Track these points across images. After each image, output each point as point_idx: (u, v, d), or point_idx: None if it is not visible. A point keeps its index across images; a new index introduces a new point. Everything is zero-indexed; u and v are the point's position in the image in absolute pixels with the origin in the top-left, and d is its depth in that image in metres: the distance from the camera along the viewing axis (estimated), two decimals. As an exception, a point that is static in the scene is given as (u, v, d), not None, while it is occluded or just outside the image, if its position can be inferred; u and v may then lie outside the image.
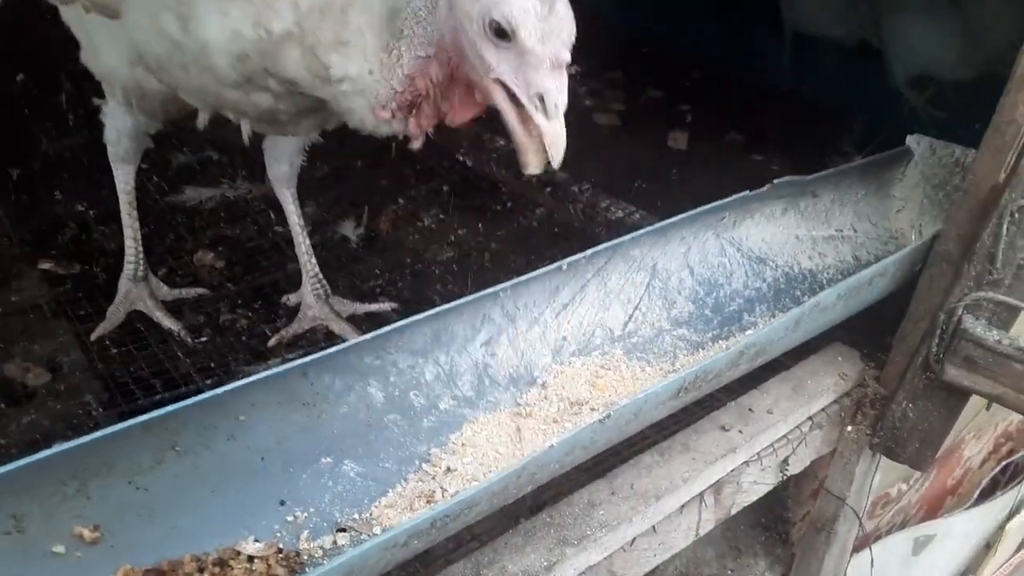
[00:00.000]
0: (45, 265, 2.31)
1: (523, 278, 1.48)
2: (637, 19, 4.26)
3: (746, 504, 1.79)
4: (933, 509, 2.68)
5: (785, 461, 1.80)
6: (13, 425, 1.80)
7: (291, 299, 2.21)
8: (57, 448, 1.07)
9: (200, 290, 2.25)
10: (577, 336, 1.58)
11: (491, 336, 1.47)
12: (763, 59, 3.78)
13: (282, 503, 1.26)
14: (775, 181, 1.79)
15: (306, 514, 1.26)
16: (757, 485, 1.77)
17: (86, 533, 1.13)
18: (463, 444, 1.38)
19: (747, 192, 1.77)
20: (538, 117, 1.28)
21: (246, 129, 1.73)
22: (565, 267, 1.52)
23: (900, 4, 3.28)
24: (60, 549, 1.12)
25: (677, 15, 4.14)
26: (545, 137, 1.29)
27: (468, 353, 1.45)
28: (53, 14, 2.59)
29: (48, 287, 2.23)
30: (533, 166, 1.33)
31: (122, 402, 1.85)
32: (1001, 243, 1.52)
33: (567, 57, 1.29)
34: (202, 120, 1.75)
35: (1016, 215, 1.50)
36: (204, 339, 2.09)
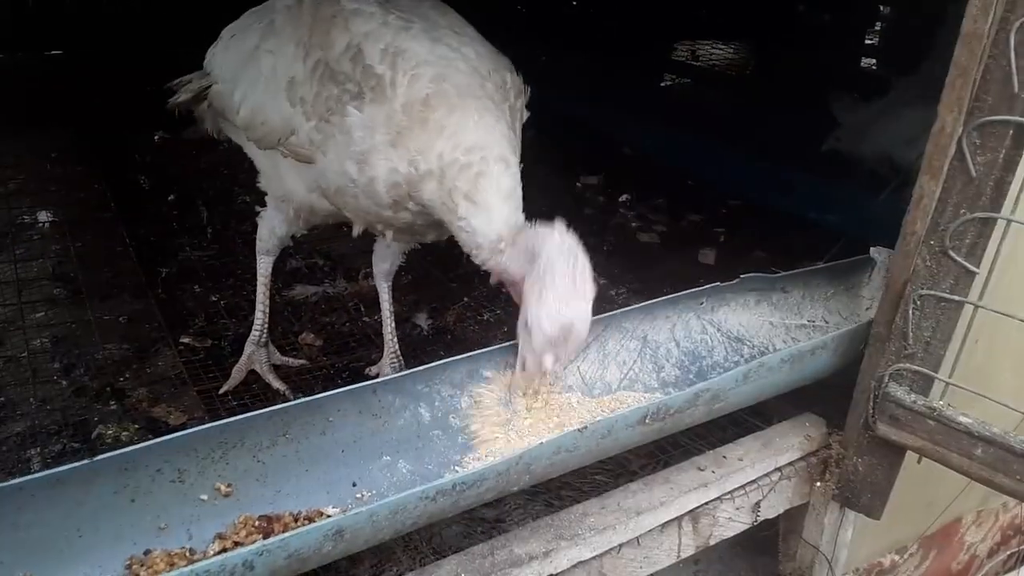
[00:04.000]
0: (185, 340, 2.97)
1: (536, 336, 2.00)
2: (684, 157, 4.88)
3: (724, 537, 2.18)
4: (939, 591, 2.93)
5: (757, 504, 2.20)
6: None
7: (372, 371, 2.77)
8: (211, 424, 1.63)
9: (302, 361, 2.85)
10: (581, 386, 2.07)
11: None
12: (793, 191, 4.31)
13: (354, 484, 1.76)
14: (742, 275, 2.29)
15: (370, 494, 1.76)
16: (733, 522, 2.18)
17: (223, 488, 1.66)
18: (487, 455, 1.86)
19: (719, 283, 2.27)
20: (519, 370, 1.91)
21: (389, 236, 2.28)
22: (569, 331, 2.04)
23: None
24: (205, 497, 1.65)
25: (720, 154, 4.75)
26: (518, 378, 1.92)
27: (494, 390, 1.96)
28: (197, 152, 3.29)
29: (187, 357, 2.86)
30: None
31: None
32: (910, 324, 1.96)
33: (549, 367, 1.83)
34: (356, 230, 2.32)
35: (918, 302, 1.94)
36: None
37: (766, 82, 6.75)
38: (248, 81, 2.32)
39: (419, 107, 1.96)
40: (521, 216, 1.97)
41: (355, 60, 2.03)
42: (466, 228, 1.95)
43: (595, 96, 5.84)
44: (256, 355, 2.72)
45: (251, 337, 2.72)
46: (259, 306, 2.73)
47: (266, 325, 2.74)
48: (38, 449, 2.37)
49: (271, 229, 2.59)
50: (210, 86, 2.57)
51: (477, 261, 2.00)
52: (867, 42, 7.35)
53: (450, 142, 1.94)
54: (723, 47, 8.23)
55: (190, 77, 2.71)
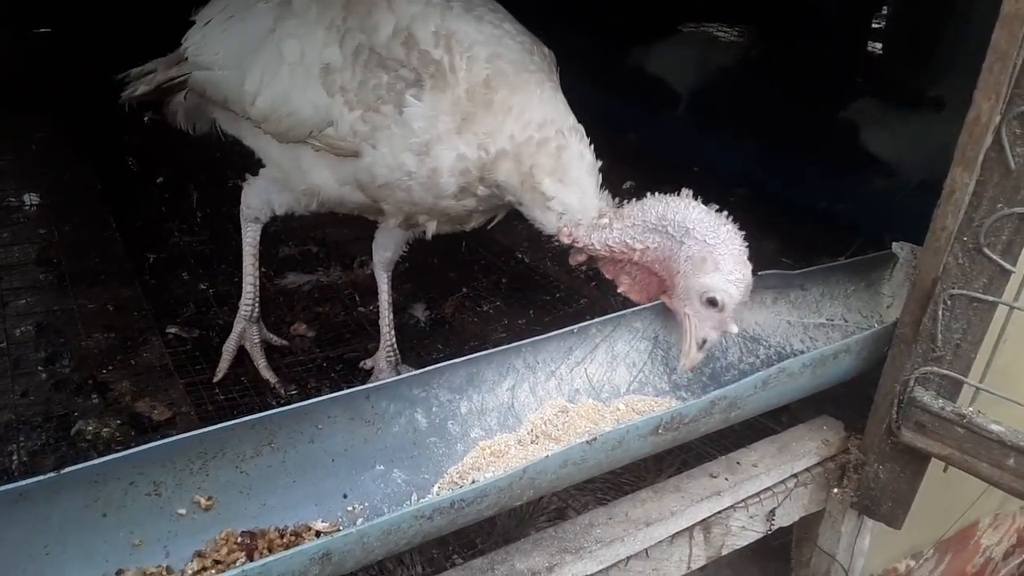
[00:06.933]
0: (172, 330, 2.84)
1: (540, 337, 1.88)
2: (689, 144, 4.74)
3: (737, 547, 2.07)
4: (953, 596, 2.84)
5: (772, 512, 2.09)
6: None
7: (367, 364, 2.65)
8: (189, 434, 1.51)
9: (284, 342, 2.74)
10: (588, 389, 1.95)
11: (515, 382, 1.86)
12: (802, 181, 4.18)
13: (345, 496, 1.65)
14: (759, 273, 2.15)
15: (362, 506, 1.65)
16: (746, 531, 2.06)
17: (202, 501, 1.54)
18: (488, 465, 1.75)
19: (734, 281, 2.13)
20: (694, 350, 1.89)
21: (432, 227, 2.17)
22: (576, 330, 1.92)
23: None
24: (183, 511, 1.53)
25: (724, 142, 4.61)
26: (688, 358, 1.90)
27: (495, 395, 1.84)
28: (187, 133, 3.21)
29: (173, 347, 2.74)
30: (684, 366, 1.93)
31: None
32: (939, 326, 1.84)
33: (735, 331, 1.87)
34: (392, 223, 2.20)
35: (948, 302, 1.82)
36: (295, 391, 2.54)
37: (771, 66, 6.58)
38: (265, 68, 2.12)
39: (482, 90, 1.88)
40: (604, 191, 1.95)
41: (408, 45, 1.91)
42: (556, 207, 1.91)
43: (598, 81, 5.68)
44: (248, 332, 2.58)
45: (241, 312, 2.58)
46: (247, 278, 2.56)
47: (257, 299, 2.58)
48: (20, 443, 2.26)
49: (266, 201, 2.39)
50: (187, 75, 2.40)
51: (568, 240, 1.95)
52: (874, 26, 7.18)
53: (519, 122, 1.88)
54: (728, 30, 8.04)
55: (152, 66, 2.54)
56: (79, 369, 2.58)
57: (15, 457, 2.21)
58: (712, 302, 1.82)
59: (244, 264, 2.56)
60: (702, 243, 1.81)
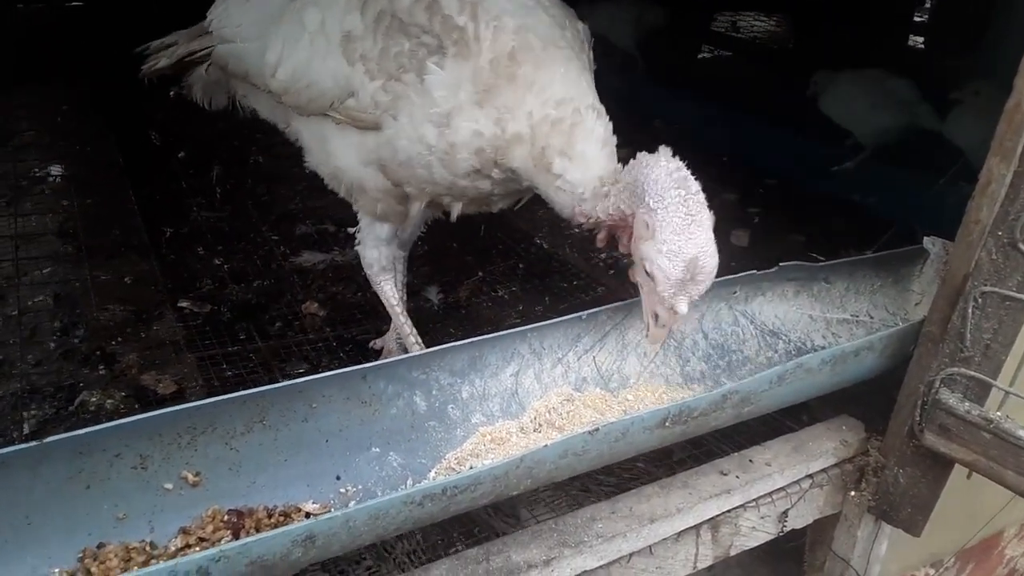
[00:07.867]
0: (184, 304, 2.82)
1: (547, 322, 1.82)
2: (720, 132, 4.63)
3: (746, 548, 2.00)
4: (974, 607, 2.73)
5: (784, 513, 2.01)
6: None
7: (376, 344, 2.61)
8: (178, 407, 1.47)
9: None
10: (596, 378, 1.89)
11: (519, 368, 1.80)
12: (833, 173, 4.06)
13: (338, 477, 1.60)
14: (782, 264, 2.07)
15: (355, 489, 1.60)
16: (756, 532, 1.99)
17: (190, 477, 1.51)
18: (488, 452, 1.69)
19: (755, 271, 2.06)
20: (651, 324, 1.71)
21: (457, 209, 2.06)
22: (585, 317, 1.85)
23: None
24: (169, 486, 1.49)
25: (756, 131, 4.50)
26: (651, 335, 1.72)
27: (499, 380, 1.78)
28: (211, 108, 3.19)
29: (185, 322, 2.71)
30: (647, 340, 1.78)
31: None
32: (968, 324, 1.75)
33: (684, 310, 1.64)
34: (415, 208, 2.10)
35: (979, 300, 1.73)
36: (303, 369, 2.50)
37: (809, 57, 6.43)
38: (286, 39, 2.06)
39: (506, 62, 1.80)
40: (618, 163, 1.82)
41: (431, 10, 1.83)
42: (563, 186, 1.80)
43: (627, 66, 5.59)
44: None
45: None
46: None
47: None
48: (31, 411, 2.25)
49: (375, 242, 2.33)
50: (210, 48, 2.36)
51: (583, 219, 1.84)
52: (916, 19, 6.99)
53: (539, 98, 1.80)
54: (765, 19, 7.88)
55: (173, 38, 2.49)
56: (89, 340, 2.56)
57: (25, 426, 2.20)
58: (647, 273, 1.65)
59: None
60: (647, 206, 1.63)
